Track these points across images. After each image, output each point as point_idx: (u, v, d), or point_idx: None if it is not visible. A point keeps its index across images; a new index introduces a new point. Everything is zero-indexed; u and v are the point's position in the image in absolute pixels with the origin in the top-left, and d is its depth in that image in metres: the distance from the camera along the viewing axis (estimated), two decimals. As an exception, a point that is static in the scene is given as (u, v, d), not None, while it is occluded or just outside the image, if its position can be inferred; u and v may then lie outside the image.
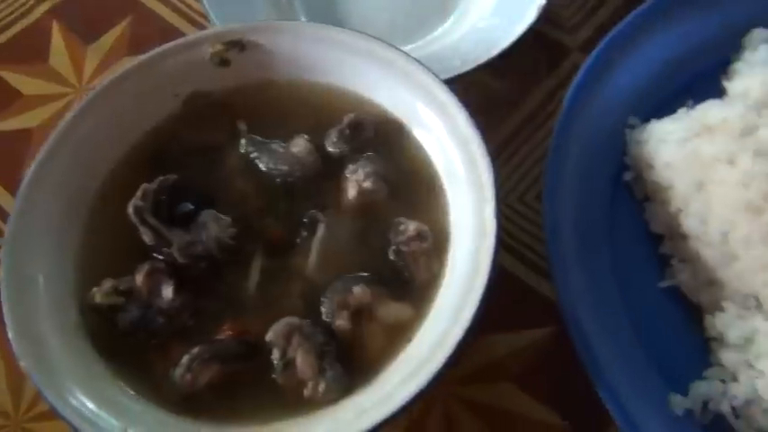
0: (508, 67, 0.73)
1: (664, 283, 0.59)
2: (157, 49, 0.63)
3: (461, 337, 0.48)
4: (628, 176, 0.63)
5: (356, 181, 0.58)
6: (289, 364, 0.51)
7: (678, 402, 0.53)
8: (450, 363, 0.47)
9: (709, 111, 0.58)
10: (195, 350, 0.51)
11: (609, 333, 0.55)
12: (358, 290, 0.53)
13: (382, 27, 0.77)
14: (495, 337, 0.60)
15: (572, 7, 0.78)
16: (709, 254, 0.56)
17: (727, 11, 0.70)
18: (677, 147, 0.58)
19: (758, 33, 0.68)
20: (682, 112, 0.61)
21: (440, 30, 0.77)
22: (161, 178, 0.58)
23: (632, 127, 0.64)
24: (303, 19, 0.80)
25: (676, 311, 0.58)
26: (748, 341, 0.52)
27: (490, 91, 0.74)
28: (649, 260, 0.60)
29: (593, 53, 0.66)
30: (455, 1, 0.78)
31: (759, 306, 0.54)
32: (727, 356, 0.53)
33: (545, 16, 0.74)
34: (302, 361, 0.51)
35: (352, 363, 0.52)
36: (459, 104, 0.57)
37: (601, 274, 0.58)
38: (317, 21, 0.79)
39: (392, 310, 0.54)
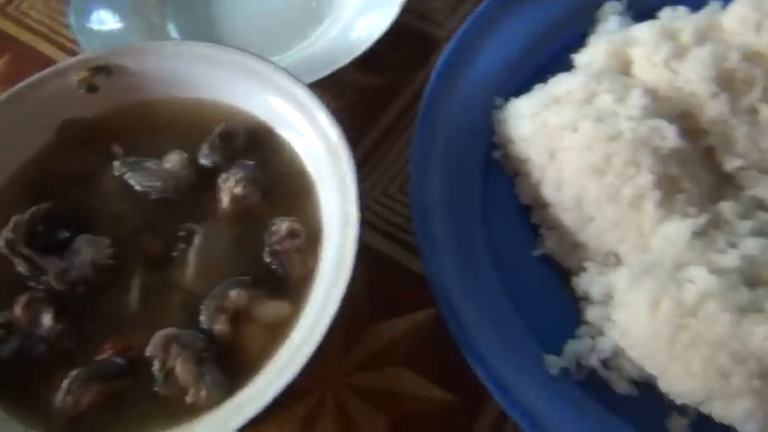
0: (382, 64, 0.76)
1: (536, 252, 0.61)
2: (24, 82, 0.64)
3: (328, 327, 0.49)
4: (497, 154, 0.66)
5: (228, 189, 0.60)
6: (169, 374, 0.52)
7: (553, 362, 0.55)
8: (318, 353, 0.49)
9: (557, 84, 0.62)
10: (74, 372, 0.52)
11: (482, 306, 0.57)
12: (234, 293, 0.55)
13: (260, 39, 0.80)
14: (383, 324, 0.62)
15: (439, 0, 0.81)
16: (568, 218, 0.59)
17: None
18: (530, 121, 0.61)
19: (609, 6, 0.71)
20: (537, 88, 0.64)
21: (314, 35, 0.79)
22: (33, 208, 0.59)
23: (498, 107, 0.67)
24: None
25: (550, 277, 0.61)
26: (609, 297, 0.54)
27: (366, 88, 0.76)
28: (522, 231, 0.63)
29: (452, 40, 0.69)
30: (327, 7, 0.81)
31: (619, 262, 0.57)
32: (593, 313, 0.56)
33: (416, 11, 0.78)
34: (181, 369, 0.52)
35: (234, 364, 0.53)
36: (322, 105, 0.59)
37: (476, 251, 0.61)
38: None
39: (270, 309, 0.55)
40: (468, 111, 0.67)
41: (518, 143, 0.62)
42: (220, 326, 0.54)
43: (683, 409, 0.53)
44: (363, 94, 0.76)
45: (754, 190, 0.54)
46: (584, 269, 0.58)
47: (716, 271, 0.49)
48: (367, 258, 0.65)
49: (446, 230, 0.60)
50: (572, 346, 0.56)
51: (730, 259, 0.49)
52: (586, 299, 0.57)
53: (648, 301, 0.49)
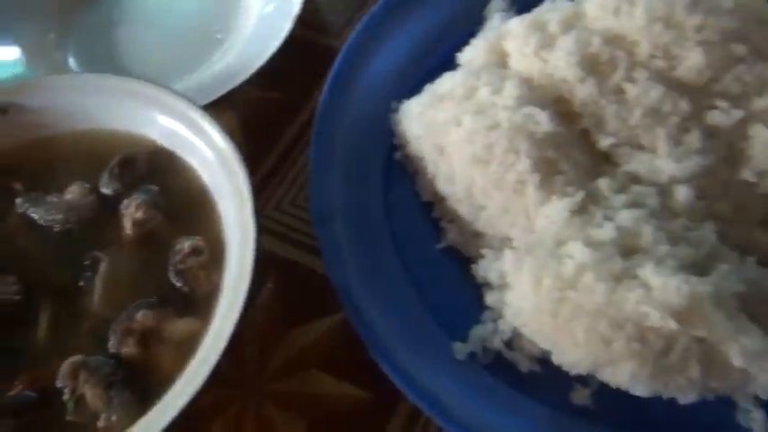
0: (283, 79, 0.78)
1: (440, 245, 0.64)
2: None
3: (229, 337, 0.51)
4: (397, 155, 0.68)
5: (129, 214, 0.61)
6: (79, 401, 0.53)
7: (459, 349, 0.57)
8: (221, 363, 0.50)
9: (442, 83, 0.64)
10: (-20, 411, 0.53)
11: (387, 304, 0.59)
12: (140, 315, 0.56)
13: (162, 64, 0.81)
14: (298, 330, 0.63)
15: (336, 13, 0.84)
16: (463, 210, 0.61)
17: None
18: (419, 120, 0.63)
19: (494, 4, 0.74)
20: (426, 88, 0.67)
21: (214, 57, 0.81)
22: (-68, 255, 0.59)
23: (395, 110, 0.69)
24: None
25: (455, 268, 0.63)
26: (504, 280, 0.57)
27: (269, 103, 0.78)
28: (426, 227, 0.65)
29: (342, 50, 0.71)
30: (226, 28, 0.83)
31: (512, 246, 0.59)
32: (492, 298, 0.58)
33: (312, 24, 0.80)
34: (91, 395, 0.53)
35: (147, 384, 0.54)
36: (214, 124, 0.61)
37: (381, 251, 0.63)
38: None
39: (178, 327, 0.56)
40: (365, 116, 0.69)
41: (412, 142, 0.65)
42: (128, 348, 0.55)
43: (584, 380, 0.55)
44: (267, 110, 0.77)
45: (628, 165, 0.57)
46: (482, 256, 0.60)
47: (592, 244, 0.51)
48: (279, 267, 0.68)
49: (348, 234, 0.62)
50: (477, 331, 0.58)
51: (606, 232, 0.52)
52: (487, 284, 0.59)
53: (531, 280, 0.51)
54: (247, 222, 0.56)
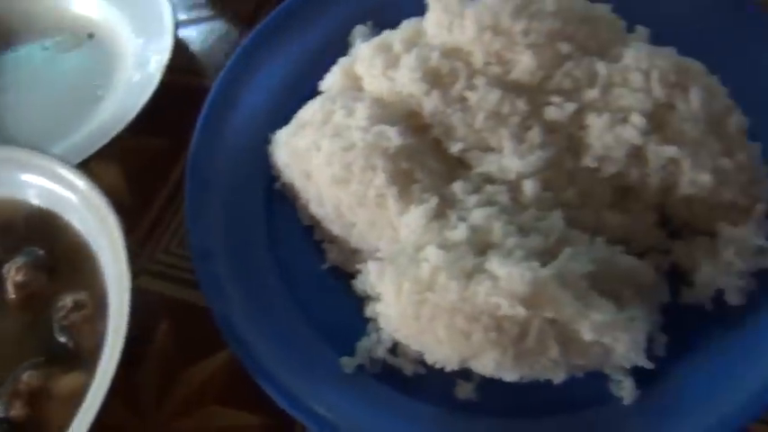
0: (164, 125, 0.79)
1: (324, 266, 0.66)
2: None
3: (110, 383, 0.52)
4: (278, 185, 0.70)
5: (11, 278, 0.62)
6: (-28, 466, 0.54)
7: (347, 362, 0.59)
8: (103, 410, 0.51)
9: (304, 111, 0.67)
10: None
11: (273, 332, 0.61)
12: (26, 376, 0.57)
13: (47, 126, 0.83)
14: (194, 368, 0.65)
15: (212, 56, 0.86)
16: (336, 229, 0.64)
17: (334, 17, 0.80)
18: (286, 148, 0.66)
19: (359, 30, 0.78)
20: (293, 117, 0.69)
21: (96, 112, 0.82)
22: None
23: (270, 142, 0.72)
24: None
25: (341, 286, 0.65)
26: (374, 290, 0.59)
27: (153, 150, 0.80)
28: (310, 250, 0.67)
29: (214, 86, 0.74)
30: (107, 84, 0.84)
31: (386, 258, 0.62)
32: (371, 309, 0.60)
33: (188, 69, 0.82)
34: (-18, 460, 0.53)
35: (37, 443, 0.55)
36: (87, 181, 0.63)
37: (265, 280, 0.65)
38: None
39: (66, 383, 0.58)
40: (242, 150, 0.71)
41: (284, 170, 0.67)
42: (16, 411, 0.56)
43: (466, 375, 0.58)
44: (152, 157, 0.79)
45: (480, 167, 0.60)
46: (360, 271, 0.63)
47: (446, 246, 0.54)
48: (172, 308, 0.69)
49: (231, 267, 0.64)
50: (363, 344, 0.60)
51: (460, 232, 0.55)
52: (367, 297, 0.62)
53: (393, 287, 0.54)
54: (123, 271, 0.57)
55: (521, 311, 0.50)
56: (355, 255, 0.64)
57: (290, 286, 0.65)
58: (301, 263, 0.66)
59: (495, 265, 0.51)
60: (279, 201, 0.70)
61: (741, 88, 0.64)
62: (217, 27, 0.92)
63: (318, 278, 0.66)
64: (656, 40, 0.67)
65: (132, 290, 0.56)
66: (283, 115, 0.74)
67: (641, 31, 0.66)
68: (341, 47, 0.78)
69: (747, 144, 0.62)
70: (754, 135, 0.64)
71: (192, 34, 0.91)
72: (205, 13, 0.94)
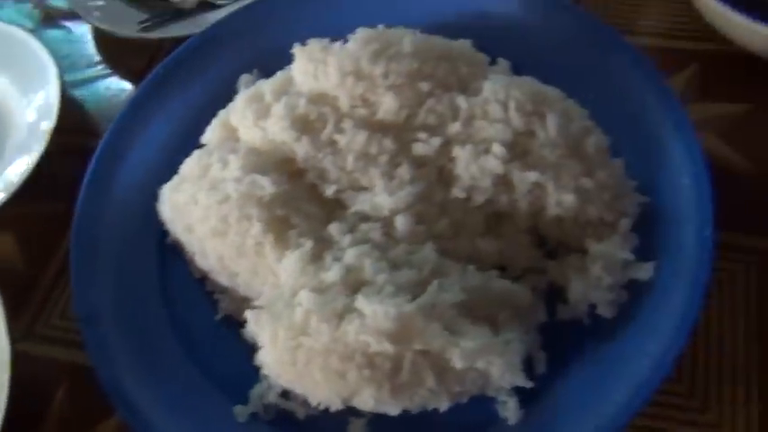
0: (58, 188, 0.79)
1: (218, 317, 0.66)
2: None
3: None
4: (169, 240, 0.71)
5: None
6: None
7: (240, 411, 0.60)
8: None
9: (184, 165, 0.68)
10: None
11: (166, 391, 0.61)
12: None
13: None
14: (96, 429, 0.64)
15: (105, 114, 0.87)
16: (223, 279, 0.65)
17: (222, 67, 0.81)
18: (168, 203, 0.67)
19: (244, 79, 0.79)
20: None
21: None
22: None
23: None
24: None
25: (234, 336, 0.65)
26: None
27: (49, 215, 0.80)
28: (204, 302, 0.68)
29: (100, 144, 0.74)
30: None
31: (274, 303, 0.63)
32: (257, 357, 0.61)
33: (82, 130, 0.83)
34: None
35: None
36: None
37: (160, 338, 0.65)
38: None
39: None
40: (132, 205, 0.72)
41: (169, 226, 0.68)
42: None
43: (356, 412, 0.59)
44: (47, 222, 0.79)
45: (355, 207, 0.62)
46: (249, 319, 0.63)
47: (320, 288, 0.56)
48: (70, 374, 0.69)
49: (120, 329, 0.64)
50: (255, 391, 0.61)
51: (333, 273, 0.56)
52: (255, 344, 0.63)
53: (270, 334, 0.55)
54: (3, 345, 0.57)
55: (389, 347, 0.52)
56: (246, 303, 0.65)
57: (185, 341, 0.65)
58: (195, 316, 0.67)
59: (362, 303, 0.53)
60: (171, 255, 0.71)
61: (604, 108, 0.68)
62: (111, 84, 0.93)
63: (212, 329, 0.66)
64: (520, 70, 0.71)
65: (12, 366, 0.56)
66: (172, 169, 0.74)
67: (502, 63, 0.70)
68: (229, 97, 0.79)
69: (610, 161, 0.66)
70: (617, 152, 0.68)
71: (85, 93, 0.92)
72: (99, 70, 0.95)
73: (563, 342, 0.61)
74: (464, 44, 0.68)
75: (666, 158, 0.65)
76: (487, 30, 0.74)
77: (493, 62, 0.70)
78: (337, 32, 0.69)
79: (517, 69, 0.71)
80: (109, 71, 0.94)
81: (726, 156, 0.73)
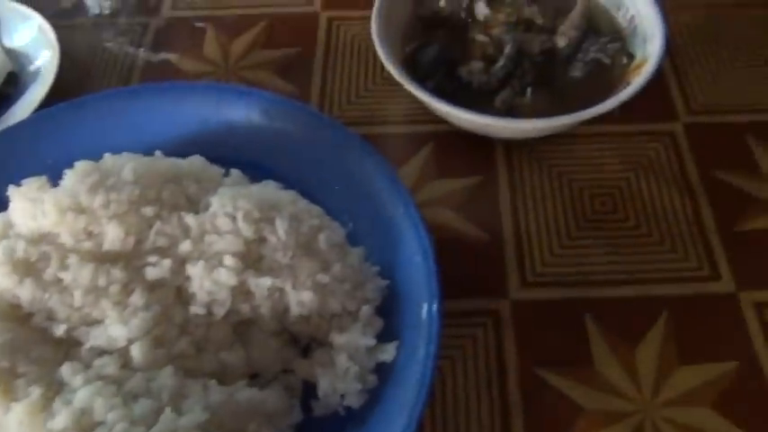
0: None
1: None
2: None
3: None
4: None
5: None
6: None
7: None
8: None
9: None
10: None
11: None
12: None
13: None
14: None
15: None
16: None
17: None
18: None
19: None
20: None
21: None
22: None
23: None
24: None
25: None
26: None
27: None
28: None
29: None
30: None
31: None
32: None
33: None
34: None
35: None
36: None
37: None
38: None
39: None
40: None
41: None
42: None
43: None
44: None
45: (89, 342, 0.61)
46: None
47: (45, 439, 0.53)
48: None
49: None
50: None
51: (61, 420, 0.54)
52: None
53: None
54: None
55: (117, 489, 0.50)
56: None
57: None
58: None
59: (84, 449, 0.51)
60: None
61: (348, 199, 0.73)
62: None
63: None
64: (260, 174, 0.74)
65: None
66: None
67: (235, 173, 0.73)
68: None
69: (349, 252, 0.70)
70: (361, 239, 0.72)
71: None
72: None
73: (325, 437, 0.62)
74: (195, 162, 0.70)
75: (401, 240, 0.70)
76: (234, 138, 0.77)
77: (226, 174, 0.72)
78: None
79: (270, 173, 0.74)
80: None
81: (459, 227, 0.80)
